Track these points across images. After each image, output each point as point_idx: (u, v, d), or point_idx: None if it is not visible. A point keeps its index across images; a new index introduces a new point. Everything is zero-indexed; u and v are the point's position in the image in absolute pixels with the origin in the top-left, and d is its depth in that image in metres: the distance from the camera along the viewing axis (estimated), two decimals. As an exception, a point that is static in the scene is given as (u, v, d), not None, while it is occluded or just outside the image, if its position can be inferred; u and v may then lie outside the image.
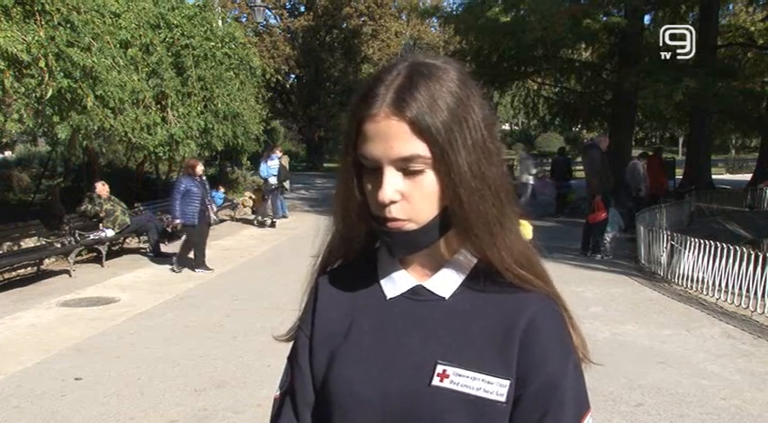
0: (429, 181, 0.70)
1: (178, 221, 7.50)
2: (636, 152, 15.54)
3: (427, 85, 0.69)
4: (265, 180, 11.82)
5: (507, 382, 0.71)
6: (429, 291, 0.77)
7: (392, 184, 0.70)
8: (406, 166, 0.70)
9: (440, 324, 0.75)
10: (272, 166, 11.83)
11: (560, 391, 0.71)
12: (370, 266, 0.82)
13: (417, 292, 0.77)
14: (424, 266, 0.78)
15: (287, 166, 12.57)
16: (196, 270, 7.58)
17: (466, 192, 0.70)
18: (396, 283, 0.78)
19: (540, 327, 0.73)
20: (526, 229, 5.62)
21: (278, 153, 12.43)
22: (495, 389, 0.70)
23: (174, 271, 7.54)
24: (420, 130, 0.68)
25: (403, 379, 0.73)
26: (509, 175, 0.76)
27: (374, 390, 0.73)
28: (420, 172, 0.70)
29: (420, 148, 0.69)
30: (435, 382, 0.71)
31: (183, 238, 7.82)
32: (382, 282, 0.80)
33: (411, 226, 0.72)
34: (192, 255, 7.69)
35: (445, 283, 0.76)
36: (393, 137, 0.69)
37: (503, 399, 0.70)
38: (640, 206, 10.24)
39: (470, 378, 0.71)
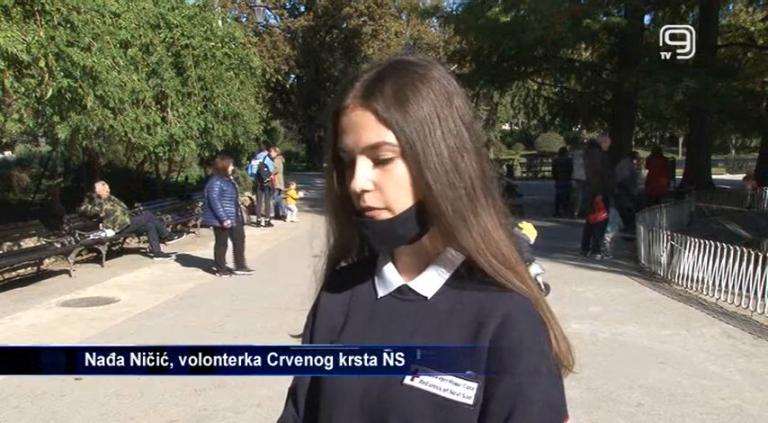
0: (399, 170, 0.72)
1: (229, 222, 7.23)
2: (638, 152, 15.55)
3: (396, 79, 0.72)
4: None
5: (475, 385, 0.70)
6: (413, 290, 0.78)
7: (364, 174, 0.72)
8: (376, 156, 0.72)
9: (420, 323, 0.76)
10: (253, 165, 11.87)
11: (528, 394, 0.69)
12: (370, 266, 0.84)
13: (403, 292, 0.79)
14: (411, 266, 0.80)
15: (280, 166, 12.51)
16: (237, 272, 7.42)
17: (435, 180, 0.71)
18: (386, 283, 0.81)
19: (511, 327, 0.71)
20: (530, 229, 5.57)
21: (273, 153, 12.42)
22: (462, 391, 0.70)
23: (218, 276, 7.31)
24: (384, 118, 0.71)
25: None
26: (492, 171, 0.77)
27: (356, 384, 0.75)
28: (390, 161, 0.72)
29: (387, 136, 0.71)
30: (407, 380, 0.72)
31: (214, 242, 7.54)
32: (376, 281, 0.82)
33: (386, 214, 0.73)
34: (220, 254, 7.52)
35: (428, 282, 0.78)
36: (361, 126, 0.72)
37: (470, 401, 0.70)
38: (640, 206, 10.23)
39: (439, 378, 0.71)
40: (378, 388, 0.74)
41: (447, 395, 0.70)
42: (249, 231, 11.36)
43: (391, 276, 0.80)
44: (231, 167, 7.58)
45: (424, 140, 0.71)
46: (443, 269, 0.77)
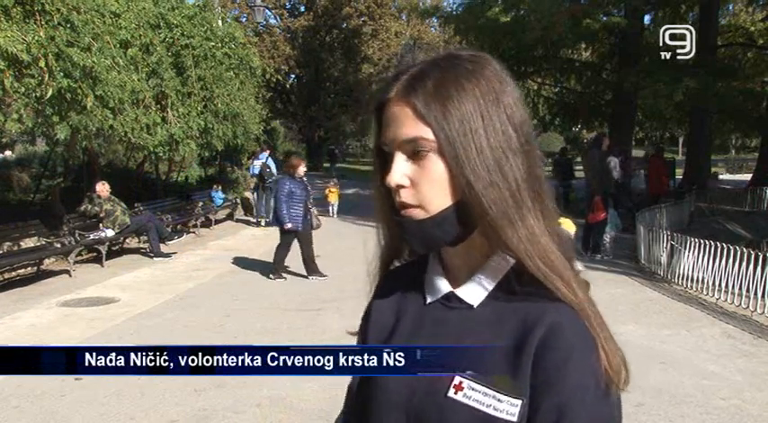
0: (435, 167, 0.70)
1: (290, 225, 6.90)
2: (637, 152, 15.52)
3: (441, 74, 0.71)
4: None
5: (519, 402, 0.67)
6: (459, 298, 0.76)
7: (399, 169, 0.71)
8: (412, 151, 0.71)
9: (465, 333, 0.74)
10: (255, 165, 11.94)
11: (573, 413, 0.66)
12: (421, 268, 0.83)
13: (450, 299, 0.77)
14: (460, 270, 0.77)
15: (270, 166, 12.59)
16: (310, 278, 7.06)
17: (475, 178, 0.68)
18: (434, 289, 0.79)
19: (556, 340, 0.68)
20: (568, 225, 5.75)
21: (266, 152, 12.51)
22: (506, 407, 0.68)
23: (270, 278, 7.04)
24: (422, 114, 0.69)
25: (427, 385, 0.73)
26: (543, 175, 0.74)
27: (403, 391, 0.74)
28: (426, 157, 0.70)
29: (424, 132, 0.70)
30: (451, 393, 0.70)
31: (278, 243, 7.23)
32: (425, 285, 0.81)
33: (421, 214, 0.71)
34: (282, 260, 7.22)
35: (475, 290, 0.75)
36: (400, 120, 0.71)
37: (514, 418, 0.67)
38: (640, 206, 10.23)
39: (482, 393, 0.69)
40: (422, 398, 0.73)
41: (490, 411, 0.68)
42: (249, 231, 11.40)
43: (439, 282, 0.79)
44: (303, 168, 7.25)
45: (465, 138, 0.69)
46: (490, 277, 0.75)
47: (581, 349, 0.68)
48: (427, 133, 0.69)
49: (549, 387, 0.67)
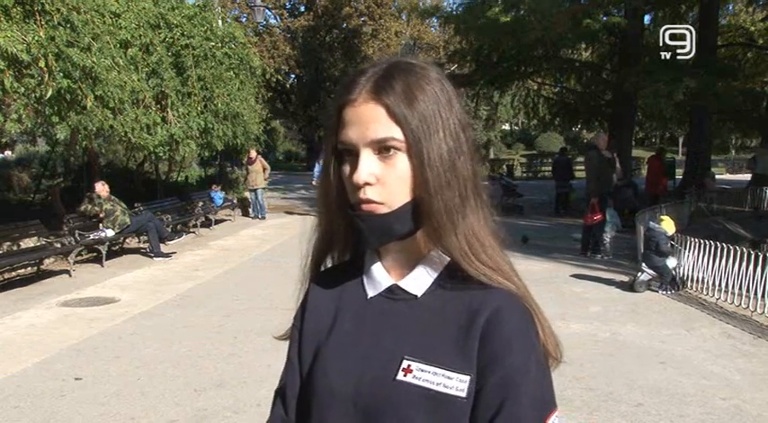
0: (402, 165, 0.74)
1: None
2: (637, 152, 15.50)
3: (405, 78, 0.75)
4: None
5: (467, 378, 0.72)
6: (403, 289, 0.80)
7: (367, 167, 0.73)
8: (381, 150, 0.74)
9: (411, 321, 0.77)
10: (319, 166, 12.19)
11: (518, 385, 0.71)
12: (356, 268, 0.86)
13: (393, 291, 0.81)
14: (400, 266, 0.81)
15: (259, 168, 12.79)
16: None
17: (433, 177, 0.73)
18: (375, 283, 0.82)
19: (500, 321, 0.73)
20: (668, 224, 6.01)
21: (252, 154, 12.64)
22: (455, 384, 0.72)
23: None
24: (395, 114, 0.73)
25: (373, 373, 0.75)
26: (482, 173, 0.79)
27: (348, 383, 0.76)
28: (394, 156, 0.74)
29: (395, 132, 0.73)
30: (400, 376, 0.73)
31: None
32: (365, 282, 0.84)
33: (384, 209, 0.74)
34: None
35: (418, 281, 0.79)
36: (370, 120, 0.73)
37: (463, 394, 0.71)
38: (640, 206, 10.22)
39: (431, 373, 0.72)
40: (370, 386, 0.75)
41: (440, 389, 0.72)
42: (248, 231, 11.40)
43: (380, 276, 0.82)
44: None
45: (428, 138, 0.73)
46: (431, 268, 0.79)
47: (522, 328, 0.74)
48: (398, 133, 0.73)
49: (496, 364, 0.72)
